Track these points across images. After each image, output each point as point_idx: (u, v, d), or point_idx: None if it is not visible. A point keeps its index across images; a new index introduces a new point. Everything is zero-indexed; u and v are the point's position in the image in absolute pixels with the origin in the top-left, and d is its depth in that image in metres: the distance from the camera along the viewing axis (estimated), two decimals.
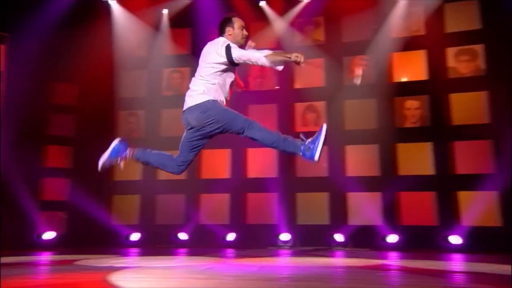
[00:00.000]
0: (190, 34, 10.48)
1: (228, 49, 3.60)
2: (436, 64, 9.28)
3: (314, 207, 9.50)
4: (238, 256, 7.06)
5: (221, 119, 3.65)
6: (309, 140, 3.70)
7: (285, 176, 9.70)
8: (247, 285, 3.62)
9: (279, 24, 10.01)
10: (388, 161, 9.22)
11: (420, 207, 8.95)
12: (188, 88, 3.99)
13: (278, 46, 9.59)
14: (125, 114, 10.47)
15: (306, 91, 10.07)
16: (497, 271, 4.58)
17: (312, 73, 10.15)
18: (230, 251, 8.03)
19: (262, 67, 3.98)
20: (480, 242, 7.75)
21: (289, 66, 9.67)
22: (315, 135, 3.72)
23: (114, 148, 3.82)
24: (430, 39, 9.33)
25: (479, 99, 8.93)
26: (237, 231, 9.27)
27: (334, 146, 9.55)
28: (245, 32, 3.91)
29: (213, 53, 3.67)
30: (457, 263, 6.08)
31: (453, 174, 8.77)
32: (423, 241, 8.34)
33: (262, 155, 10.01)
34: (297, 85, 10.15)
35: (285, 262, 6.23)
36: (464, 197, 8.56)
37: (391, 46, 9.50)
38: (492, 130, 8.50)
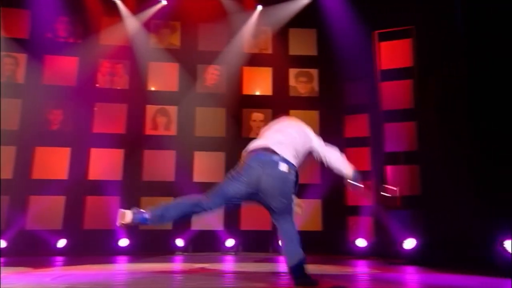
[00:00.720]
0: (30, 16, 9.42)
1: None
2: (279, 82, 10.23)
3: None
4: (69, 264, 6.49)
5: (290, 199, 3.31)
6: None
7: (130, 179, 9.38)
8: None
9: (131, 22, 9.73)
10: (233, 167, 9.74)
11: (258, 212, 9.66)
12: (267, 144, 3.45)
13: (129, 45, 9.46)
14: None
15: (158, 94, 9.84)
16: (317, 271, 5.20)
17: (166, 76, 10.13)
18: (59, 259, 7.34)
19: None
20: (305, 244, 8.73)
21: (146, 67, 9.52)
22: None
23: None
24: (275, 58, 10.21)
25: (313, 117, 10.15)
26: (71, 237, 8.56)
27: (183, 152, 9.71)
28: None
29: (314, 139, 3.41)
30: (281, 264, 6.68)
31: None
32: (261, 245, 9.04)
33: (107, 155, 9.50)
34: (150, 87, 10.00)
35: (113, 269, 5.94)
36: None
37: (242, 60, 10.15)
38: None
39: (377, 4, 6.45)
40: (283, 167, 3.12)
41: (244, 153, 3.33)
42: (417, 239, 5.48)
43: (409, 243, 5.58)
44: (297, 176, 3.12)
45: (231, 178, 3.34)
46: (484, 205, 4.08)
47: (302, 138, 3.40)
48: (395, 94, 6.63)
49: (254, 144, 3.25)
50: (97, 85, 9.65)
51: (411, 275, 4.26)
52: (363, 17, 6.96)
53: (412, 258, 5.52)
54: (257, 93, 10.21)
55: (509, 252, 3.67)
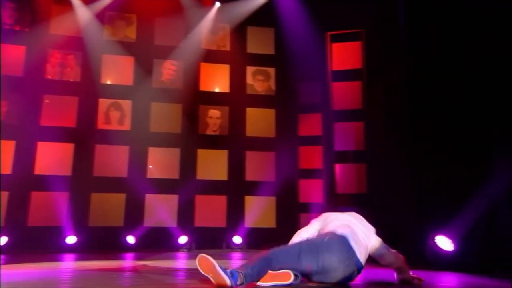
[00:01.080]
0: None
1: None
2: (237, 79, 10.24)
3: (109, 209, 9.18)
4: (10, 262, 6.17)
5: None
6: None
7: (80, 175, 9.08)
8: None
9: (83, 12, 9.40)
10: (188, 165, 9.67)
11: (213, 209, 9.66)
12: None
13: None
14: None
15: (112, 87, 9.60)
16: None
17: (120, 70, 9.88)
18: (1, 257, 6.97)
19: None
20: (258, 241, 8.84)
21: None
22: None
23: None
24: (233, 55, 10.22)
25: (269, 116, 10.26)
26: (14, 234, 8.17)
27: (137, 147, 9.51)
28: None
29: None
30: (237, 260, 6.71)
31: (243, 180, 9.81)
32: (213, 242, 9.04)
33: (55, 150, 9.14)
34: (104, 80, 9.70)
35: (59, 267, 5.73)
36: (249, 201, 9.67)
37: (200, 56, 10.08)
38: (276, 143, 9.87)
39: (330, 6, 6.61)
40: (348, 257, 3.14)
41: None
42: None
43: None
44: None
45: None
46: (420, 203, 4.29)
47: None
48: (346, 94, 6.82)
49: None
50: (46, 76, 9.25)
51: None
52: (317, 18, 7.11)
53: None
54: (216, 90, 10.18)
55: (439, 247, 3.89)
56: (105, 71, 9.62)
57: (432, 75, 4.31)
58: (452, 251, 3.85)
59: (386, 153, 5.41)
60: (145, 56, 9.72)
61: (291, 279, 2.77)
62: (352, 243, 3.05)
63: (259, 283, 2.76)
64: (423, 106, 4.37)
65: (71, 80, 9.37)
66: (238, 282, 2.69)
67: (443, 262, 3.87)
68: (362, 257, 3.09)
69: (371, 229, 3.31)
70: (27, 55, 9.04)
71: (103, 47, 9.44)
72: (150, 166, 9.53)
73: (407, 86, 4.58)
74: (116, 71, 9.79)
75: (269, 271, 2.82)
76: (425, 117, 4.39)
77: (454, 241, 3.86)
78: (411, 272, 3.17)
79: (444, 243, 3.88)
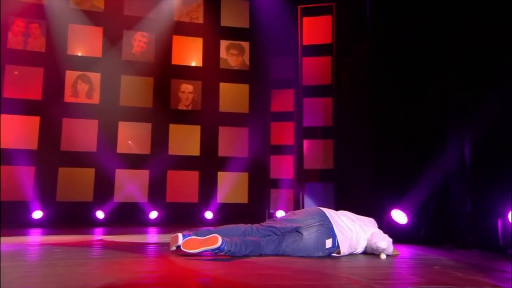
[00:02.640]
0: None
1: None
2: (210, 53, 10.14)
3: (78, 183, 9.14)
4: None
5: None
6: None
7: (47, 149, 8.97)
8: None
9: None
10: (160, 140, 9.66)
11: (185, 185, 9.74)
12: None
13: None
14: None
15: (80, 59, 9.40)
16: None
17: (88, 40, 9.66)
18: None
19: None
20: (230, 217, 8.99)
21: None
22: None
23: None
24: (207, 28, 10.11)
25: (243, 91, 10.26)
26: None
27: (107, 122, 9.42)
28: None
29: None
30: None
31: (216, 156, 9.89)
32: (184, 217, 9.14)
33: (20, 123, 8.98)
34: (70, 51, 9.46)
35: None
36: (221, 177, 9.78)
37: (172, 28, 9.92)
38: (249, 118, 9.93)
39: None
40: (329, 243, 3.16)
41: None
42: None
43: None
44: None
45: None
46: (379, 178, 4.46)
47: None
48: (316, 70, 6.88)
49: None
50: (9, 46, 8.97)
51: None
52: None
53: None
54: (191, 64, 10.06)
55: (396, 221, 4.08)
56: (72, 41, 9.39)
57: (395, 52, 4.40)
58: (406, 224, 4.05)
59: (351, 129, 5.55)
60: (114, 27, 9.51)
61: (219, 243, 2.82)
62: (328, 215, 3.14)
63: (187, 251, 2.84)
64: (384, 83, 4.48)
65: (35, 50, 9.11)
66: (226, 249, 2.85)
67: (399, 234, 4.06)
68: (341, 234, 3.10)
69: (368, 221, 3.34)
70: None
71: (69, 16, 9.19)
72: (129, 142, 9.48)
73: (371, 63, 4.67)
74: (84, 42, 9.56)
75: (196, 238, 2.88)
76: (386, 94, 4.50)
77: (408, 215, 4.05)
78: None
79: (399, 216, 4.07)
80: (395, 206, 4.12)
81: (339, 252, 3.12)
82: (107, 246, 4.16)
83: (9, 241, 4.50)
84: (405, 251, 3.61)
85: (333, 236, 3.08)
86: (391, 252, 3.15)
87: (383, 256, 3.03)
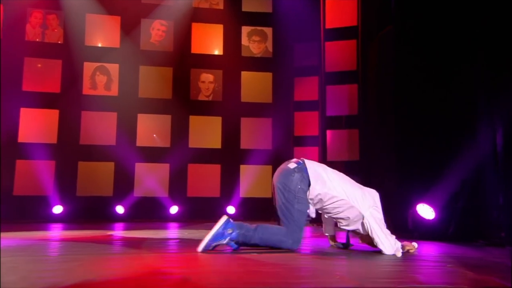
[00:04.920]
0: None
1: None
2: (231, 40, 10.16)
3: (98, 178, 9.39)
4: None
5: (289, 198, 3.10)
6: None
7: (67, 143, 9.25)
8: None
9: None
10: (180, 132, 9.78)
11: (206, 179, 9.84)
12: None
13: None
14: None
15: (97, 50, 9.64)
16: None
17: (106, 30, 9.87)
18: None
19: None
20: (253, 212, 9.03)
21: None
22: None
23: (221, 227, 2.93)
24: (227, 14, 10.15)
25: (266, 79, 10.23)
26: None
27: (126, 114, 9.63)
28: None
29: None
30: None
31: (239, 148, 9.93)
32: (206, 212, 9.25)
33: (39, 116, 9.28)
34: (88, 43, 9.72)
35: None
36: (244, 170, 9.82)
37: (191, 15, 10.00)
38: (273, 108, 9.88)
39: None
40: (292, 165, 3.12)
41: None
42: None
43: None
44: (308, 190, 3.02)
45: None
46: (403, 170, 4.35)
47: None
48: (340, 55, 6.76)
49: None
50: (27, 38, 9.30)
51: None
52: None
53: None
54: (211, 52, 10.12)
55: (422, 217, 3.97)
56: (90, 32, 9.63)
57: (421, 36, 4.26)
58: (434, 219, 3.94)
59: (378, 118, 5.42)
60: (132, 16, 9.68)
61: (223, 219, 2.96)
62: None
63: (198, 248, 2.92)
64: (409, 68, 4.35)
65: (53, 42, 9.41)
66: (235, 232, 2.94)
67: (425, 231, 3.97)
68: (317, 185, 3.02)
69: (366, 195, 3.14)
70: (6, 15, 9.06)
71: (86, 6, 9.41)
72: (155, 135, 9.67)
73: (395, 47, 4.54)
74: (102, 32, 9.78)
75: None
76: (412, 80, 4.37)
77: (435, 209, 3.93)
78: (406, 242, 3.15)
79: (426, 211, 3.96)
80: (421, 200, 4.01)
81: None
82: (127, 241, 4.27)
83: (25, 236, 4.69)
84: (428, 248, 3.52)
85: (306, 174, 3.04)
86: (399, 252, 3.01)
87: (398, 254, 2.95)
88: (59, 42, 9.41)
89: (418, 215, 3.98)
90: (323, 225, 3.49)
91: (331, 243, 3.46)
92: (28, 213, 8.44)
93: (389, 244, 3.01)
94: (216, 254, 2.91)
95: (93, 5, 9.46)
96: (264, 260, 2.69)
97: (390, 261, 2.69)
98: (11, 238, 4.40)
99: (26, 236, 4.71)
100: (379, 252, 3.04)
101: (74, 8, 9.33)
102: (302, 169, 3.10)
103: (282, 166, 3.19)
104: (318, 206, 3.18)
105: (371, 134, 5.74)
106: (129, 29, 9.66)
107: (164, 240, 4.28)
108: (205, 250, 2.96)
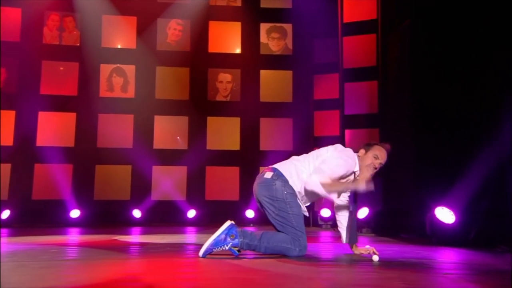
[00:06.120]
0: None
1: (321, 168, 3.10)
2: (249, 38, 10.13)
3: (115, 181, 9.55)
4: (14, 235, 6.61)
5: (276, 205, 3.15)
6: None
7: (84, 146, 9.42)
8: None
9: None
10: (197, 134, 9.81)
11: (225, 181, 9.84)
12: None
13: None
14: None
15: (114, 51, 9.79)
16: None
17: (122, 31, 10.03)
18: (4, 231, 7.50)
19: None
20: None
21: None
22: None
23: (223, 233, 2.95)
24: (245, 11, 10.11)
25: (285, 78, 10.14)
26: (19, 208, 8.73)
27: (143, 116, 9.75)
28: (376, 163, 3.28)
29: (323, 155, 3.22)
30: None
31: (258, 150, 9.88)
32: (224, 216, 9.24)
33: (57, 119, 9.52)
34: (105, 44, 9.91)
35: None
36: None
37: (208, 13, 10.04)
38: (292, 107, 9.78)
39: None
40: (268, 175, 3.15)
41: None
42: (370, 208, 5.64)
43: (363, 212, 5.74)
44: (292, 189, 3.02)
45: None
46: (422, 173, 4.19)
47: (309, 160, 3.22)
48: (359, 50, 6.62)
49: None
50: (44, 41, 9.57)
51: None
52: None
53: (365, 227, 5.74)
54: (229, 51, 10.11)
55: (441, 221, 3.80)
56: (106, 33, 9.81)
57: (440, 30, 4.10)
58: (454, 223, 3.77)
59: (398, 116, 5.26)
60: (148, 16, 9.80)
61: (226, 224, 2.96)
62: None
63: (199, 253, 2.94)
64: (427, 64, 4.19)
65: (70, 44, 9.64)
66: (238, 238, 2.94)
67: (444, 236, 3.81)
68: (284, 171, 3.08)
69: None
70: (24, 18, 9.34)
71: (102, 7, 9.59)
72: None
73: (411, 41, 4.38)
74: (118, 33, 9.95)
75: None
76: (430, 78, 4.22)
77: (456, 213, 3.76)
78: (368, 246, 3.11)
79: (445, 215, 3.79)
80: (440, 202, 3.85)
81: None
82: (124, 246, 4.28)
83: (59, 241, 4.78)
84: (441, 255, 3.37)
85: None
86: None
87: (375, 258, 2.88)
88: (76, 44, 9.63)
89: (437, 219, 3.82)
90: (341, 233, 3.38)
91: (355, 251, 3.35)
92: (46, 217, 8.64)
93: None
94: (215, 260, 2.88)
95: (109, 6, 9.63)
96: (256, 265, 2.64)
97: (381, 268, 2.60)
98: (29, 242, 4.50)
99: (41, 240, 4.81)
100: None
101: (90, 9, 9.53)
102: (279, 175, 3.11)
103: (259, 179, 3.19)
104: (314, 198, 3.20)
105: (391, 133, 5.57)
106: (145, 29, 9.79)
107: (164, 246, 4.27)
108: (205, 255, 2.93)
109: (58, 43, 9.62)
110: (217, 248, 2.94)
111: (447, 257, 3.29)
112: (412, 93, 4.46)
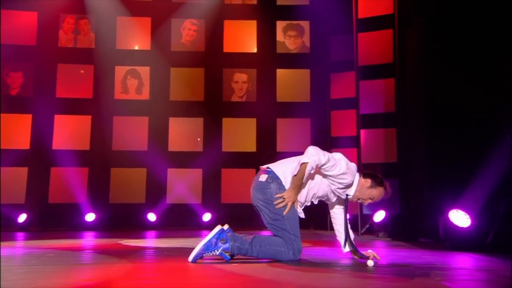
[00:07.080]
0: None
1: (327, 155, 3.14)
2: (265, 37, 10.09)
3: (130, 184, 9.67)
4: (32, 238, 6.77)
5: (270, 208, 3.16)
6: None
7: (99, 149, 9.60)
8: None
9: None
10: (213, 135, 9.85)
11: (241, 184, 9.85)
12: None
13: None
14: None
15: (128, 53, 9.92)
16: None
17: (137, 33, 10.18)
18: (21, 235, 7.71)
19: None
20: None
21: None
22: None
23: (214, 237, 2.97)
24: (261, 9, 10.10)
25: (303, 77, 10.09)
26: (35, 212, 8.94)
27: (157, 118, 9.86)
28: (366, 202, 3.33)
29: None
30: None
31: (275, 151, 9.83)
32: (240, 220, 9.25)
33: (73, 123, 9.71)
34: (119, 46, 10.05)
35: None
36: None
37: (223, 12, 10.08)
38: (310, 107, 9.70)
39: None
40: (263, 178, 3.19)
41: None
42: (387, 211, 5.54)
43: (379, 216, 5.64)
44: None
45: None
46: (436, 174, 4.09)
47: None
48: (375, 46, 6.51)
49: None
50: (60, 44, 9.79)
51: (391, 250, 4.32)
52: None
53: (381, 231, 5.64)
54: (245, 50, 10.12)
55: (455, 224, 3.69)
56: (121, 35, 9.97)
57: (453, 29, 4.00)
58: (469, 227, 3.65)
59: (415, 115, 5.15)
60: (162, 16, 9.91)
61: (217, 228, 2.99)
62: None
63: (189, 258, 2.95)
64: (441, 64, 4.09)
65: (85, 47, 9.83)
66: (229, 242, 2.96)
67: (459, 240, 3.70)
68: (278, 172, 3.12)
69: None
70: (40, 22, 9.57)
71: (116, 8, 9.75)
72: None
73: (425, 40, 4.27)
74: (132, 35, 10.09)
75: None
76: (445, 78, 4.12)
77: (471, 216, 3.65)
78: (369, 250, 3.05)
79: (460, 218, 3.68)
80: (455, 205, 3.74)
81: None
82: (125, 251, 4.33)
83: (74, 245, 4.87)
84: (453, 260, 3.27)
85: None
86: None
87: (370, 263, 2.82)
88: (91, 46, 9.82)
89: (451, 222, 3.72)
90: (341, 242, 3.33)
91: (355, 256, 3.30)
92: (62, 221, 8.84)
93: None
94: (203, 265, 2.89)
95: (123, 7, 9.78)
96: (244, 270, 2.64)
97: (365, 274, 2.55)
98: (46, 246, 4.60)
99: (57, 244, 4.91)
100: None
101: (105, 11, 9.71)
102: (274, 177, 3.12)
103: (254, 182, 3.21)
104: (309, 197, 3.20)
105: (410, 133, 5.47)
106: (160, 30, 9.90)
107: (161, 250, 4.30)
108: (195, 260, 2.94)
109: (73, 46, 9.83)
110: (208, 253, 2.96)
111: (459, 263, 3.20)
112: (426, 92, 4.35)
